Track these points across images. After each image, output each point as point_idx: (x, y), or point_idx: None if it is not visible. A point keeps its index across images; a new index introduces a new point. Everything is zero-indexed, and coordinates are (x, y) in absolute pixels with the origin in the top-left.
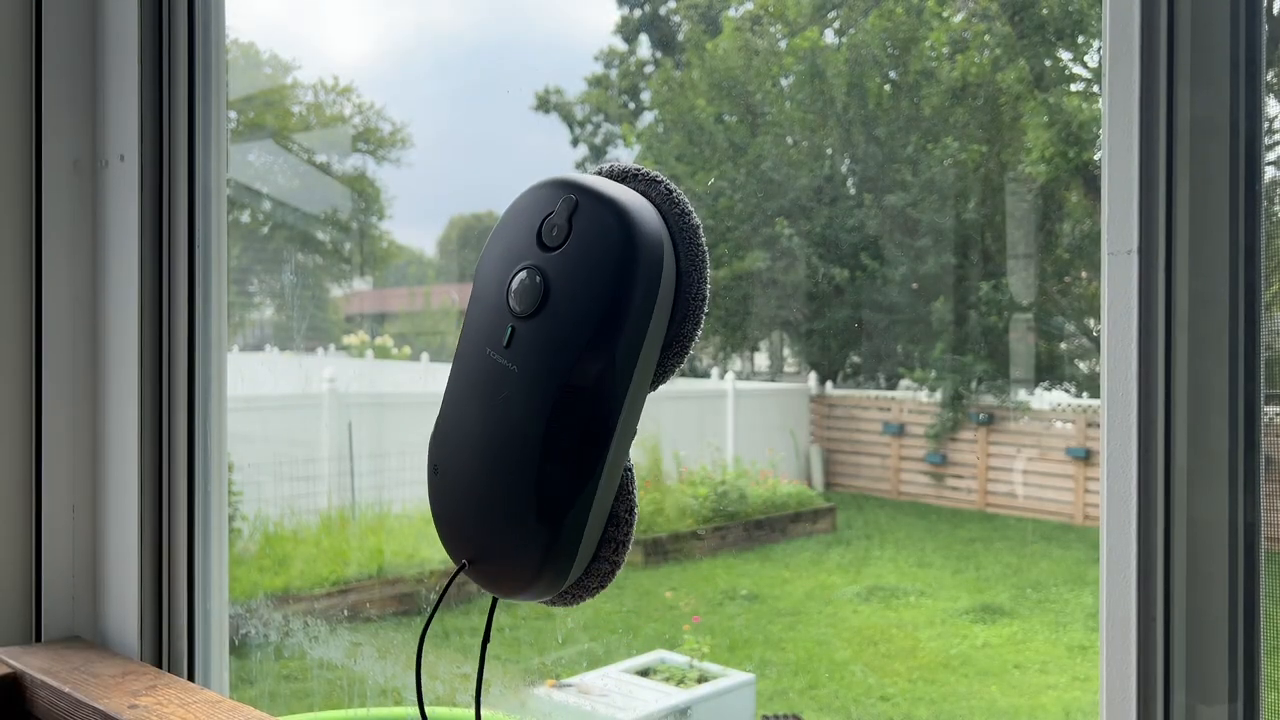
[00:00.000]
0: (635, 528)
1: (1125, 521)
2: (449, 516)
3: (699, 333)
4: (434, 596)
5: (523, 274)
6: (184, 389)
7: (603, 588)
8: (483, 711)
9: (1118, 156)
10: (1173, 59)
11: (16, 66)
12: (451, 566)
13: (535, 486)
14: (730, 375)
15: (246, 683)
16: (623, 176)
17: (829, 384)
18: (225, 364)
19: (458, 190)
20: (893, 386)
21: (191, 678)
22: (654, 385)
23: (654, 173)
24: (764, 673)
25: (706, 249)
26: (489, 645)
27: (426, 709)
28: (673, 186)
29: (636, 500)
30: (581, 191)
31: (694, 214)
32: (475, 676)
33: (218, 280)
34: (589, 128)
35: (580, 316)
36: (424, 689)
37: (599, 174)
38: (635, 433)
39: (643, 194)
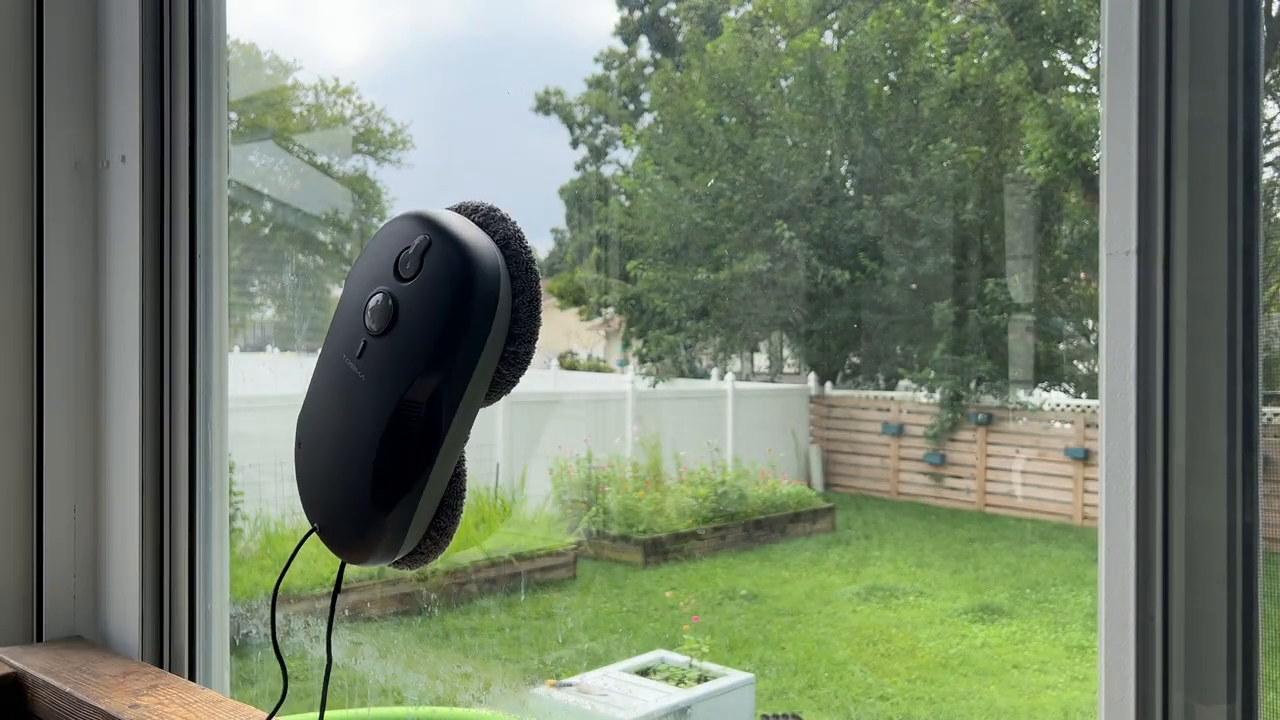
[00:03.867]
0: (463, 512)
1: (1124, 522)
2: (307, 487)
3: (532, 354)
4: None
5: (378, 296)
6: (185, 389)
7: (433, 557)
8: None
9: (1116, 157)
10: (1171, 60)
11: (18, 67)
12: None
13: (371, 481)
14: (730, 376)
15: (247, 682)
16: (473, 213)
17: (828, 384)
18: (226, 364)
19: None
20: (892, 387)
21: (192, 677)
22: (489, 400)
23: (501, 211)
24: (763, 672)
25: (539, 280)
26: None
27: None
28: (513, 224)
29: (465, 488)
30: (436, 231)
31: (530, 250)
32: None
33: (219, 281)
34: (589, 129)
35: (421, 341)
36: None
37: (456, 210)
38: (467, 439)
39: (487, 227)
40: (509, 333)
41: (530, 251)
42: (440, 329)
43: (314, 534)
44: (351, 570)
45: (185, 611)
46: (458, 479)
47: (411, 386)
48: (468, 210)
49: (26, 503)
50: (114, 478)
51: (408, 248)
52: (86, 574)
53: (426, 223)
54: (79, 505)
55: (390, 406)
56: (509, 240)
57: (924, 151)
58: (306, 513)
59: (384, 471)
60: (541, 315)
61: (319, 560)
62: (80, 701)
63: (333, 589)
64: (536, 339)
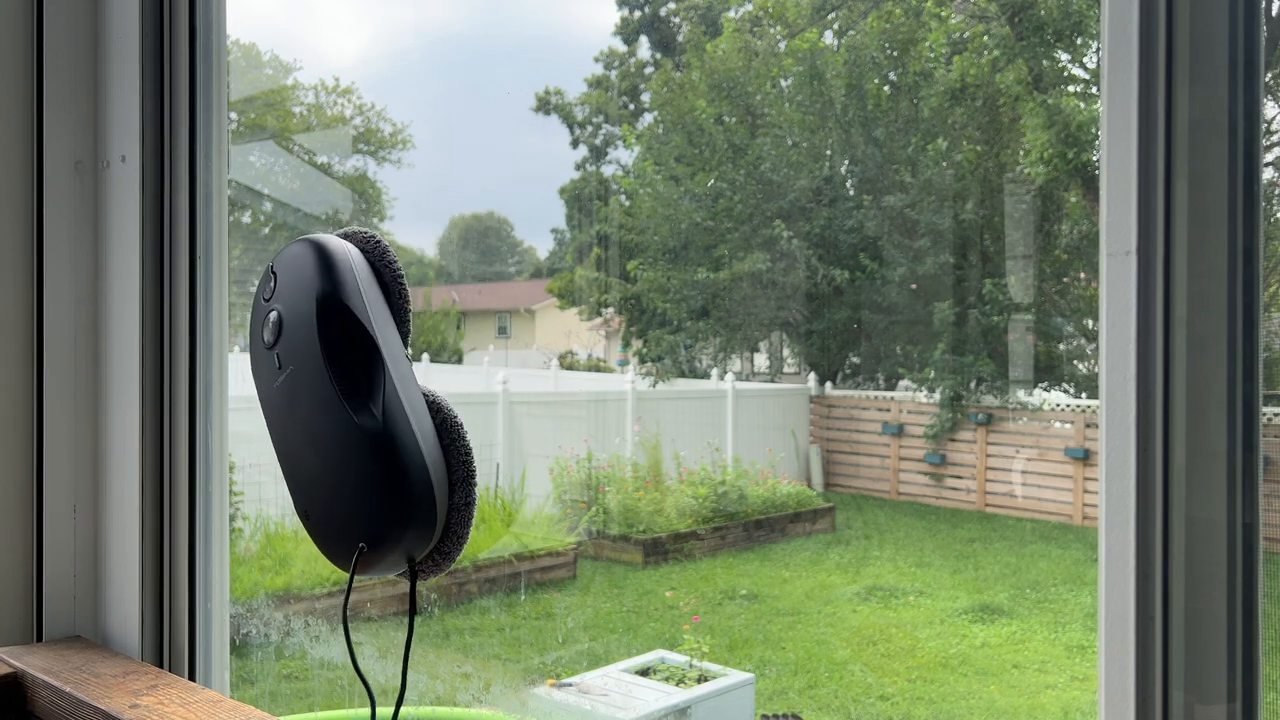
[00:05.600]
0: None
1: (1124, 521)
2: (302, 489)
3: (410, 333)
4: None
5: (267, 318)
6: (185, 389)
7: (468, 527)
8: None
9: (1116, 157)
10: (1171, 60)
11: (18, 67)
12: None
13: (341, 397)
14: (730, 376)
15: (247, 682)
16: (347, 236)
17: (828, 384)
18: (227, 364)
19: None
20: (892, 387)
21: (193, 677)
22: (403, 331)
23: (371, 233)
24: (763, 672)
25: (407, 289)
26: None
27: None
28: (383, 243)
29: (466, 438)
30: (284, 247)
31: (397, 262)
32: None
33: (219, 281)
34: (589, 129)
35: (306, 299)
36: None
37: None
38: (410, 373)
39: (358, 245)
40: (378, 275)
41: (396, 263)
42: (315, 282)
43: (360, 555)
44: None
45: (185, 611)
46: (449, 426)
47: (320, 329)
48: (342, 235)
49: (27, 502)
50: (114, 477)
51: (265, 280)
52: (87, 574)
53: (278, 252)
54: (79, 505)
55: (317, 351)
56: (378, 256)
57: (922, 151)
58: (330, 551)
59: (348, 388)
60: (411, 321)
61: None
62: (80, 701)
63: (410, 607)
64: (409, 337)
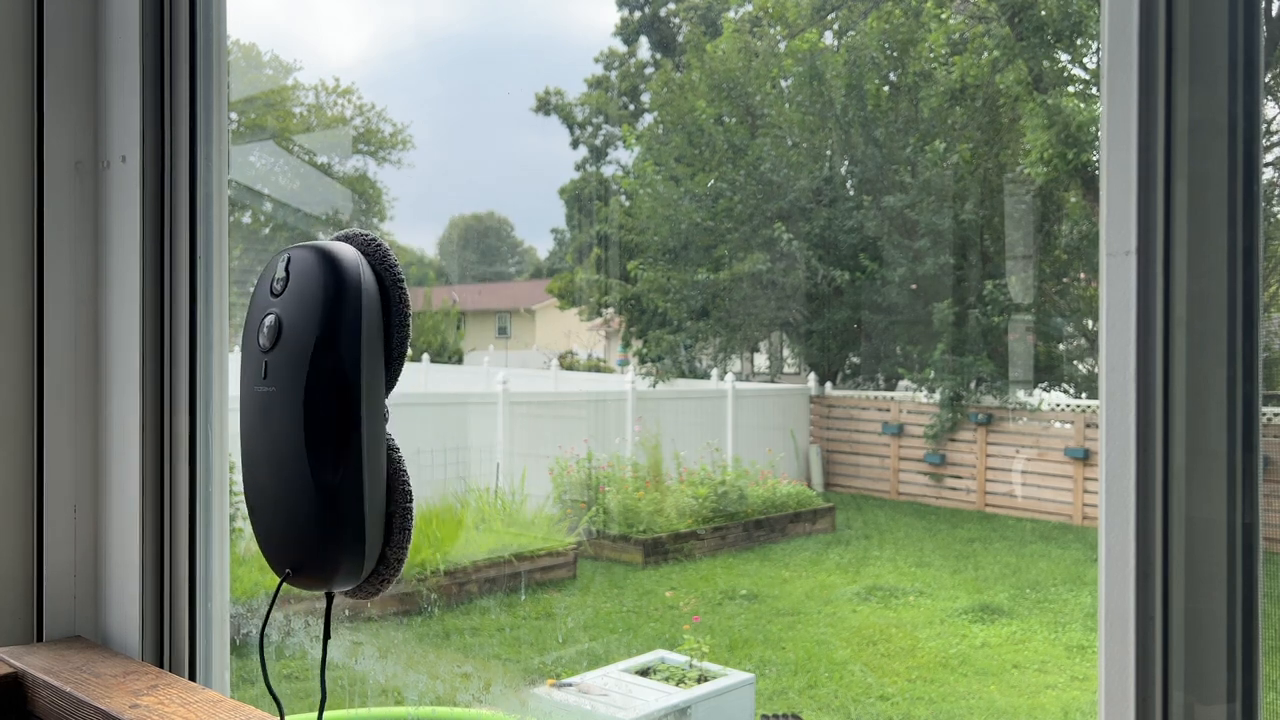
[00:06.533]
0: (414, 508)
1: (1124, 521)
2: (260, 514)
3: (405, 354)
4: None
5: (268, 319)
6: (186, 389)
7: (403, 554)
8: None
9: (1116, 158)
10: (1171, 61)
11: (18, 68)
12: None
13: (307, 458)
14: (730, 376)
15: (248, 682)
16: (348, 239)
17: (828, 385)
18: (227, 364)
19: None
20: (892, 387)
21: (193, 677)
22: (390, 373)
23: (373, 236)
24: (763, 672)
25: (407, 294)
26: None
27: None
28: (384, 247)
29: (408, 478)
30: (296, 249)
31: (398, 266)
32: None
33: (219, 281)
34: (589, 129)
35: (308, 327)
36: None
37: (335, 239)
38: (384, 413)
39: (360, 249)
40: (385, 336)
41: (397, 267)
42: (320, 308)
43: (286, 580)
44: None
45: (185, 611)
46: (397, 477)
47: (312, 364)
48: (343, 238)
49: (27, 502)
50: (114, 478)
51: (275, 272)
52: (87, 574)
53: (288, 249)
54: (79, 505)
55: (301, 390)
56: (379, 260)
57: (921, 152)
58: (263, 541)
59: (315, 445)
60: (410, 324)
61: None
62: (80, 701)
63: (323, 622)
64: (408, 341)
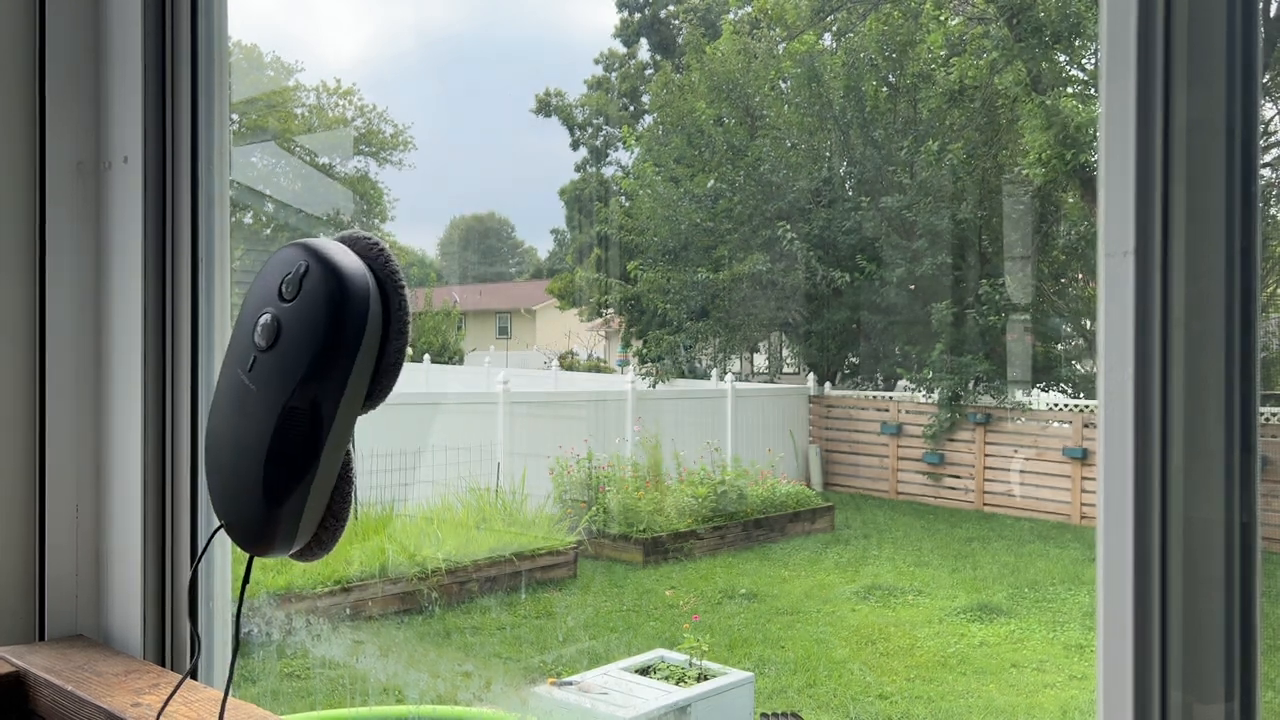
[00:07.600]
0: (350, 506)
1: (1122, 521)
2: (212, 487)
3: (401, 363)
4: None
5: (265, 316)
6: (187, 389)
7: (328, 549)
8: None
9: (1115, 158)
10: (1169, 62)
11: (20, 68)
12: None
13: (263, 479)
14: (730, 376)
15: (249, 681)
16: (353, 243)
17: (827, 385)
18: None
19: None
20: (890, 387)
21: (194, 676)
22: (368, 406)
23: (379, 244)
24: (763, 671)
25: (408, 301)
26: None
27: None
28: (388, 254)
29: (353, 483)
30: (314, 257)
31: (400, 274)
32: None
33: (221, 282)
34: (589, 130)
35: (302, 354)
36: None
37: (339, 240)
38: (350, 440)
39: (364, 256)
40: (380, 346)
41: (400, 275)
42: (318, 343)
43: (221, 530)
44: (354, 568)
45: (187, 611)
46: (345, 480)
47: (294, 394)
48: (348, 241)
49: (29, 502)
50: (116, 477)
51: (289, 273)
52: (89, 573)
53: (307, 251)
54: (81, 504)
55: (276, 412)
56: (381, 266)
57: (920, 153)
58: (215, 510)
59: (273, 470)
60: (410, 332)
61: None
62: (82, 700)
63: (242, 581)
64: (405, 352)
